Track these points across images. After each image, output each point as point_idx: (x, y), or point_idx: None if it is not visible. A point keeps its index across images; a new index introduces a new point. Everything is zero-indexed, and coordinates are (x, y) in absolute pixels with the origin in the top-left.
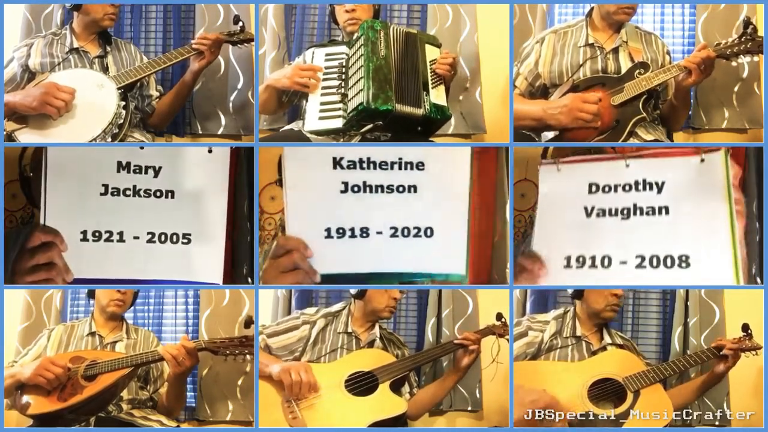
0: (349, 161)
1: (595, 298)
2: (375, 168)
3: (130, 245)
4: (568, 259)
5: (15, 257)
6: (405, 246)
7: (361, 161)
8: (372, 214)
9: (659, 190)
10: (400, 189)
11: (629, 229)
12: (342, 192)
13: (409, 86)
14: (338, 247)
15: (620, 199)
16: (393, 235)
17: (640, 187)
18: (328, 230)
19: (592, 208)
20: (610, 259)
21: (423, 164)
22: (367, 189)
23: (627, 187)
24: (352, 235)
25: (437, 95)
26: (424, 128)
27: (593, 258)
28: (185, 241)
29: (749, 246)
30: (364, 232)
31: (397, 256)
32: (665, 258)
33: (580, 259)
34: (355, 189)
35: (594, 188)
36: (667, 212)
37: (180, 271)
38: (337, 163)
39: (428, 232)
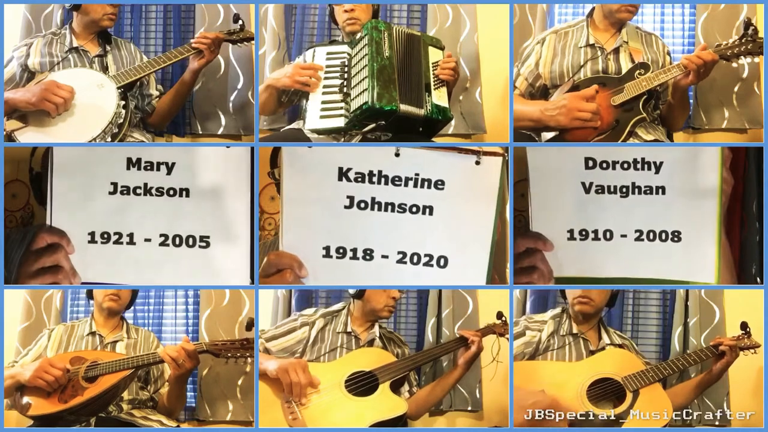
0: (357, 173)
1: (569, 296)
2: (387, 183)
3: (141, 248)
4: (571, 231)
5: (20, 259)
6: (413, 275)
7: (371, 174)
8: (378, 235)
9: (657, 170)
10: (414, 209)
11: (628, 206)
12: (346, 207)
13: (411, 87)
14: (336, 268)
15: (619, 177)
16: (400, 261)
17: (639, 165)
18: (327, 249)
19: (591, 184)
20: (611, 233)
21: (443, 183)
22: (375, 206)
23: (625, 165)
24: (354, 257)
25: (439, 96)
26: (425, 129)
27: (596, 231)
28: (203, 244)
29: (746, 244)
30: (368, 254)
31: (402, 285)
32: (660, 233)
33: (583, 233)
34: (362, 205)
35: (591, 163)
36: (663, 192)
37: (199, 276)
38: (343, 174)
39: (442, 261)
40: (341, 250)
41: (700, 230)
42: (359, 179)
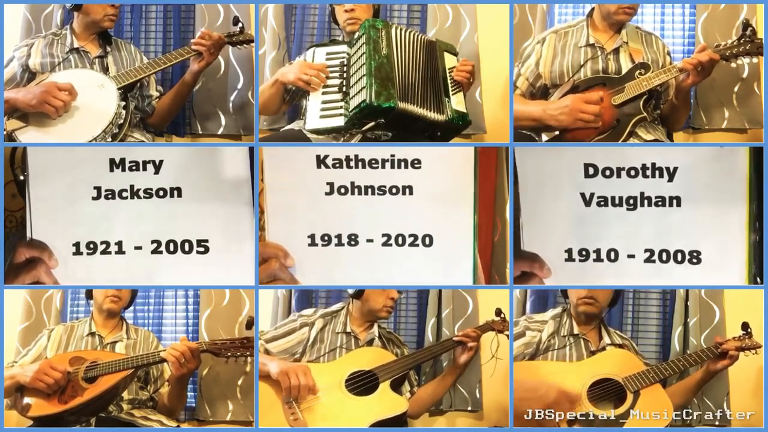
0: (334, 159)
1: (573, 296)
2: (364, 167)
3: (131, 257)
4: (570, 251)
5: (6, 269)
6: (400, 256)
7: (348, 159)
8: (361, 219)
9: (670, 178)
10: (393, 190)
11: (636, 220)
12: (327, 194)
13: (426, 91)
14: (323, 256)
15: (625, 186)
16: (386, 244)
17: (648, 172)
18: (312, 237)
19: (591, 195)
20: (617, 253)
21: (419, 162)
22: (356, 190)
23: (633, 172)
24: (339, 243)
25: (457, 102)
26: (443, 134)
27: (598, 251)
28: (201, 249)
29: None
30: (353, 239)
31: (390, 268)
32: (675, 253)
33: (584, 252)
34: (342, 190)
35: (592, 170)
36: (678, 204)
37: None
38: (321, 161)
39: (427, 240)
40: (326, 238)
41: (725, 246)
42: (337, 165)
